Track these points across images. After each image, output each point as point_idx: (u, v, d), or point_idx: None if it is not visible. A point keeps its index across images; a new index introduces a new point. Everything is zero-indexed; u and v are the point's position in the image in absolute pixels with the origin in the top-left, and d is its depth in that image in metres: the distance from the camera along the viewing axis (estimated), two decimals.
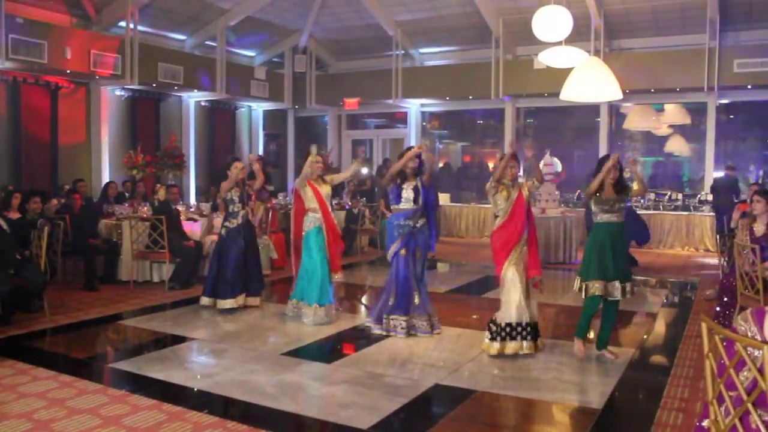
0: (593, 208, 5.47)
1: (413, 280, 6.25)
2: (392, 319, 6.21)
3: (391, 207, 6.51)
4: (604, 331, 5.53)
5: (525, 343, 5.53)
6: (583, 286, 5.37)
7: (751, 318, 2.46)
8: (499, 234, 5.65)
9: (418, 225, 6.27)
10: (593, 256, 5.36)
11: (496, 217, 5.74)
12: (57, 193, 10.79)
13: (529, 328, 5.54)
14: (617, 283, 5.33)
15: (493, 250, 5.70)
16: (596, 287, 5.31)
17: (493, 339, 5.56)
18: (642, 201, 13.24)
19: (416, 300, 6.23)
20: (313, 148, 7.47)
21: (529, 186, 5.73)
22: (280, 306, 7.32)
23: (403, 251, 6.21)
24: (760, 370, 2.24)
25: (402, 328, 6.16)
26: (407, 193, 6.25)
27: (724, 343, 2.46)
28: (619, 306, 5.51)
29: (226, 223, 7.25)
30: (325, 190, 6.88)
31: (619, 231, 5.41)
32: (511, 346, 5.52)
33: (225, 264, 7.14)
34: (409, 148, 6.43)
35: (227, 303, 7.09)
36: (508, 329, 5.52)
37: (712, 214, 12.40)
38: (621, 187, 5.45)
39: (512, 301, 5.50)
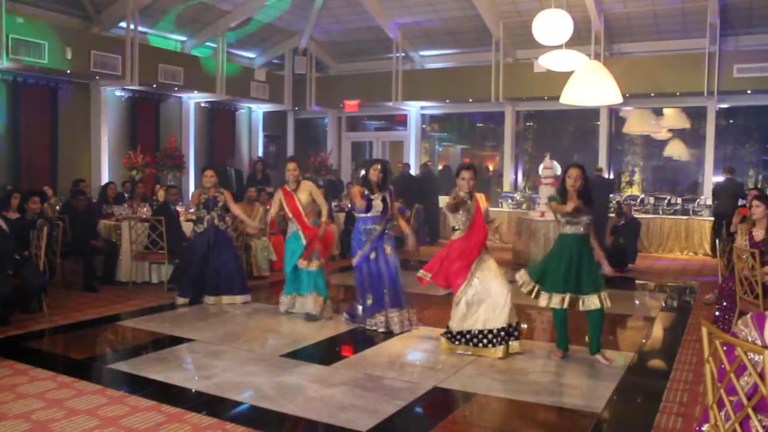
0: (559, 218, 5.52)
1: (386, 279, 6.43)
2: (371, 318, 6.47)
3: (357, 214, 6.71)
4: (590, 337, 5.55)
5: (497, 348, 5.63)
6: (535, 290, 5.48)
7: (751, 323, 2.46)
8: (461, 245, 5.71)
9: (386, 230, 6.58)
10: (549, 266, 5.45)
11: (454, 229, 5.79)
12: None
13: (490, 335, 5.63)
14: (582, 297, 5.33)
15: (449, 259, 5.75)
16: (544, 300, 5.42)
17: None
18: (641, 205, 13.24)
19: (386, 297, 6.43)
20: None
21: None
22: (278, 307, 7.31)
23: (373, 254, 6.46)
24: (761, 375, 2.24)
25: (381, 323, 6.41)
26: (377, 203, 6.54)
27: (725, 348, 2.46)
28: (599, 314, 5.41)
29: (195, 227, 7.67)
30: (303, 197, 7.01)
31: (582, 243, 5.41)
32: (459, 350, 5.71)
33: (187, 264, 7.66)
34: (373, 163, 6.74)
35: (179, 300, 7.56)
36: (467, 336, 5.68)
37: (712, 218, 12.41)
38: (587, 198, 5.44)
39: (462, 312, 5.67)
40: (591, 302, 5.34)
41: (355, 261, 6.56)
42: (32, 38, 10.59)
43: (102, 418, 4.11)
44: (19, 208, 7.43)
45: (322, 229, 7.01)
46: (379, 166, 6.61)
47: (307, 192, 7.05)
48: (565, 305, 5.36)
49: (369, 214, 6.52)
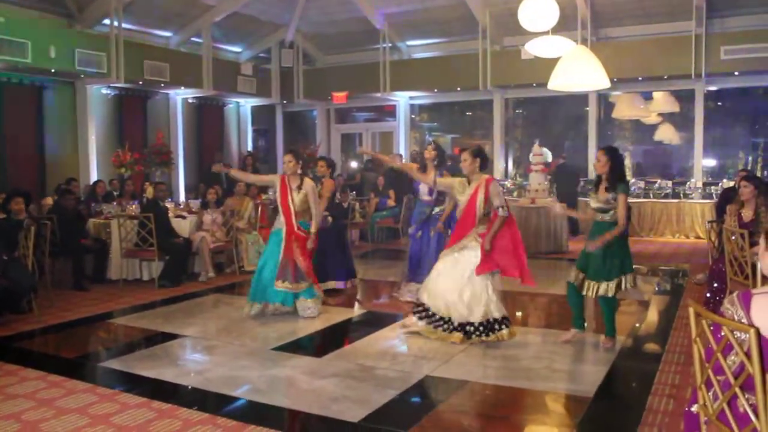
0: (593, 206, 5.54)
1: (426, 257, 6.94)
2: (407, 287, 7.21)
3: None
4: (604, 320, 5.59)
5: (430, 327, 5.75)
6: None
7: (737, 301, 2.45)
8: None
9: (434, 212, 7.16)
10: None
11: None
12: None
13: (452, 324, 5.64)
14: (584, 278, 5.41)
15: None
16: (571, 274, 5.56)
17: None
18: (633, 189, 13.25)
19: (417, 274, 7.02)
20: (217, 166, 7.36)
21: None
22: None
23: (419, 234, 7.21)
24: (747, 354, 2.23)
25: (409, 292, 7.05)
26: (423, 187, 7.22)
27: (712, 328, 2.45)
28: (603, 301, 5.44)
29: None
30: (299, 196, 6.57)
31: (596, 230, 5.41)
32: (418, 325, 5.79)
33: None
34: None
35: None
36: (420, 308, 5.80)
37: (702, 201, 12.47)
38: (610, 185, 5.35)
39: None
40: (583, 286, 5.41)
41: (408, 233, 7.60)
42: (15, 37, 10.46)
43: (92, 416, 4.08)
44: (3, 208, 7.37)
45: (310, 242, 6.59)
46: (431, 146, 7.19)
47: (304, 193, 6.58)
48: (572, 280, 5.49)
49: (421, 197, 7.32)
